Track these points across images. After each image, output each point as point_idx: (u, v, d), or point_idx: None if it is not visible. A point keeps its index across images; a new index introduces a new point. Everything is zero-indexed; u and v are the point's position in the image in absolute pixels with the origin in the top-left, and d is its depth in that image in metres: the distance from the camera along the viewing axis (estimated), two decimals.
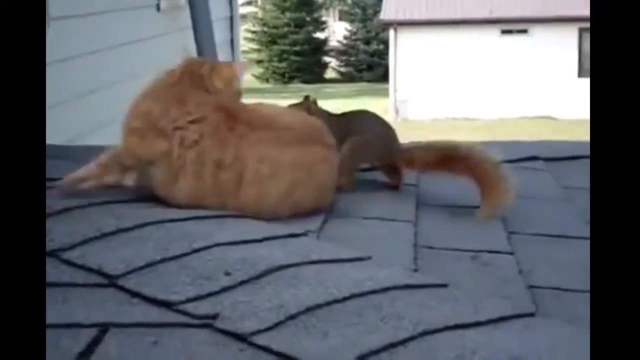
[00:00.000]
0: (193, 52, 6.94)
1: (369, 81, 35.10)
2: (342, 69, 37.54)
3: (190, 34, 7.51)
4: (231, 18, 9.30)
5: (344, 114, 2.94)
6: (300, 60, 36.17)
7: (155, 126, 2.46)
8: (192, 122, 2.44)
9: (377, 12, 32.44)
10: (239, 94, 2.62)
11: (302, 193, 2.46)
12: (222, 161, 2.41)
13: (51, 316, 1.76)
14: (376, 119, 2.90)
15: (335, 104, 28.83)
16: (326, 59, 38.20)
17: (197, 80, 2.54)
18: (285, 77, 36.27)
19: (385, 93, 29.22)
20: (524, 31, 26.94)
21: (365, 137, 2.78)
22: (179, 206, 2.41)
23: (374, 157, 2.83)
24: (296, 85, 35.32)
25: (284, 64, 36.29)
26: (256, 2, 41.50)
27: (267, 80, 36.13)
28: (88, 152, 3.18)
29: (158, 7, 7.01)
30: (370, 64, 35.92)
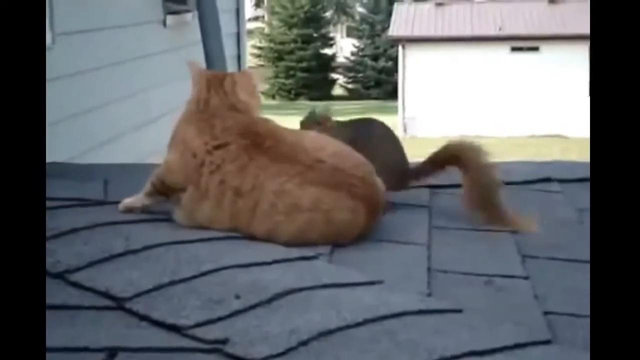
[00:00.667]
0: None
1: (376, 98, 35.07)
2: (350, 86, 37.55)
3: (196, 50, 7.51)
4: (238, 34, 9.29)
5: (351, 122, 2.91)
6: (307, 77, 36.19)
7: (190, 149, 2.45)
8: (216, 147, 2.42)
9: (385, 28, 32.46)
10: (259, 101, 2.62)
11: (317, 237, 2.36)
12: (240, 189, 2.37)
13: (58, 339, 1.73)
14: (386, 131, 2.87)
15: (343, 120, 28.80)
16: (333, 75, 38.22)
17: (223, 97, 2.52)
18: (292, 94, 36.27)
19: (393, 110, 29.20)
20: (535, 49, 26.91)
21: (382, 164, 2.71)
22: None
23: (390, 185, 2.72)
24: (303, 102, 35.31)
25: (290, 81, 36.30)
26: (263, 18, 41.60)
27: (273, 97, 36.14)
28: (94, 170, 3.16)
29: (164, 23, 7.01)
30: (378, 81, 35.91)
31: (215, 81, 2.55)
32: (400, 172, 2.79)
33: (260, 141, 2.42)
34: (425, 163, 2.83)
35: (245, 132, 2.44)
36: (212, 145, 2.42)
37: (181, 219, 2.45)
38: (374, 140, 2.79)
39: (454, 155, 2.77)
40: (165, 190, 2.51)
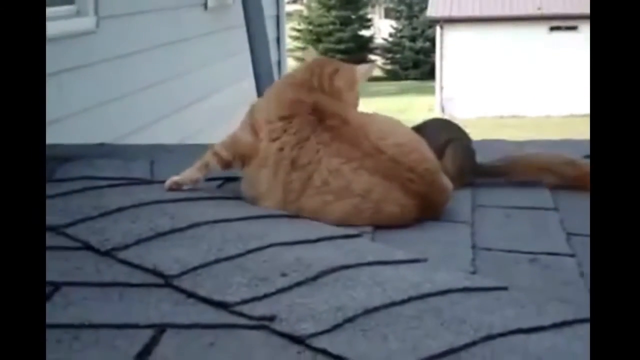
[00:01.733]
0: (241, 50, 6.96)
1: (414, 79, 34.92)
2: (388, 67, 37.38)
3: (237, 32, 7.52)
4: (277, 16, 9.30)
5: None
6: (346, 58, 36.08)
7: (254, 120, 2.50)
8: (281, 118, 2.45)
9: (423, 9, 32.29)
10: (357, 97, 2.61)
11: (362, 223, 2.34)
12: (296, 160, 2.39)
13: (108, 316, 1.76)
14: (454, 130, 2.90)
15: (381, 101, 28.82)
16: (372, 57, 38.06)
17: (317, 79, 2.54)
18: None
19: (431, 91, 29.08)
20: (574, 28, 26.61)
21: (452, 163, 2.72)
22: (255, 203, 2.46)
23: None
24: None
25: None
26: (302, 0, 41.52)
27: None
28: (139, 151, 3.19)
29: (205, 6, 7.03)
30: (416, 62, 35.72)
31: (318, 63, 2.58)
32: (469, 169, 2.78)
33: (326, 118, 2.43)
34: (501, 167, 2.83)
35: (315, 108, 2.46)
36: (276, 115, 2.45)
37: (244, 189, 2.50)
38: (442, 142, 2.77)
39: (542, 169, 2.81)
40: (228, 158, 2.53)
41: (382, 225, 2.35)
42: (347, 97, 2.56)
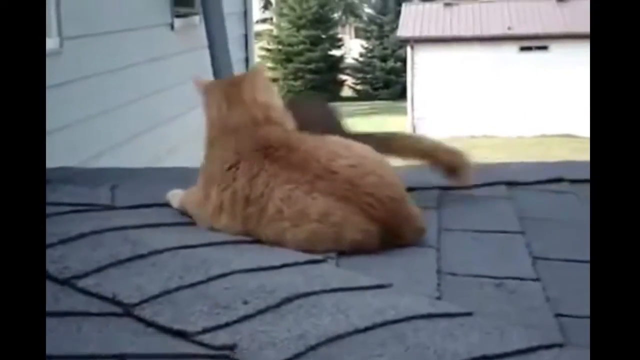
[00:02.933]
0: (207, 71, 6.95)
1: (386, 99, 35.03)
2: (359, 87, 37.49)
3: (204, 53, 7.51)
4: (246, 36, 9.30)
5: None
6: (316, 79, 36.14)
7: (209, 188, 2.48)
8: (229, 168, 2.42)
9: (394, 29, 32.42)
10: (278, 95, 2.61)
11: (324, 246, 2.28)
12: (249, 196, 2.36)
13: (66, 346, 1.72)
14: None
15: (352, 121, 28.81)
16: (342, 76, 38.18)
17: (243, 112, 2.50)
18: (299, 95, 36.25)
19: (402, 111, 29.18)
20: (544, 48, 26.84)
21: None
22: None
23: None
24: None
25: (299, 82, 36.26)
26: (271, 20, 41.60)
27: (282, 99, 36.12)
28: (103, 175, 3.15)
29: (172, 26, 7.01)
30: (387, 82, 35.84)
31: (233, 93, 2.53)
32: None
33: (273, 151, 2.38)
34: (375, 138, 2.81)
35: (258, 145, 2.41)
36: (222, 171, 2.43)
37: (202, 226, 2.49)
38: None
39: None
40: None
41: (345, 251, 2.31)
42: (272, 103, 2.54)
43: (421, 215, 2.46)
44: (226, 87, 2.58)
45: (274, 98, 2.57)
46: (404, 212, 2.38)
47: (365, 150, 2.46)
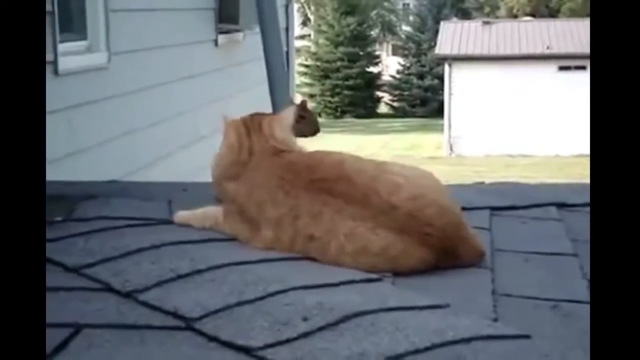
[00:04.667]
0: (249, 86, 7.00)
1: (422, 116, 35.03)
2: (395, 104, 37.56)
3: (246, 68, 7.58)
4: (287, 52, 9.36)
5: None
6: (353, 95, 36.26)
7: (259, 216, 2.45)
8: (285, 213, 2.39)
9: (431, 46, 32.44)
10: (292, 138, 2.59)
11: (381, 274, 2.29)
12: (314, 235, 2.34)
13: (129, 359, 1.75)
14: None
15: (388, 138, 28.85)
16: (379, 93, 38.25)
17: (264, 142, 2.51)
18: (338, 112, 36.36)
19: (439, 128, 29.15)
20: (582, 67, 26.70)
21: None
22: None
23: None
24: (348, 120, 35.38)
25: (336, 99, 36.40)
26: (310, 36, 41.76)
27: (319, 115, 36.18)
28: (154, 189, 3.19)
29: (216, 43, 7.09)
30: (423, 99, 35.87)
31: (254, 126, 2.55)
32: None
33: (332, 185, 2.36)
34: None
35: (312, 181, 2.38)
36: (277, 213, 2.40)
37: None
38: None
39: None
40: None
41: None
42: (291, 145, 2.55)
43: (479, 238, 2.47)
44: (250, 121, 2.59)
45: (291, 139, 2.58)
46: (462, 237, 2.40)
47: (423, 176, 2.47)
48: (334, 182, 2.36)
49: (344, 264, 2.31)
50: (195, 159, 6.35)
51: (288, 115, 2.62)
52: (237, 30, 7.50)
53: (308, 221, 2.35)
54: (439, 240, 2.33)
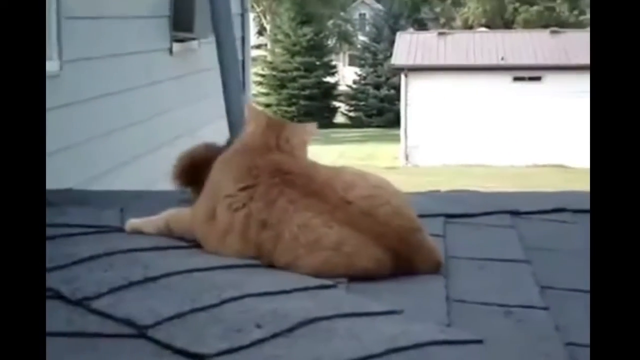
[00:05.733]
0: (205, 95, 6.98)
1: (378, 126, 35.19)
2: (352, 114, 37.69)
3: (201, 77, 7.55)
4: (243, 62, 9.36)
5: None
6: (310, 105, 36.33)
7: (216, 201, 2.45)
8: (243, 189, 2.40)
9: (387, 57, 32.62)
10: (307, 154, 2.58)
11: (335, 274, 2.29)
12: (266, 221, 2.35)
13: None
14: None
15: (345, 149, 28.93)
16: (336, 103, 38.35)
17: (275, 141, 2.50)
18: (294, 121, 36.37)
19: (395, 138, 29.30)
20: (537, 78, 27.02)
21: None
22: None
23: None
24: None
25: (293, 108, 36.44)
26: (266, 46, 41.79)
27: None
28: (108, 197, 3.17)
29: (171, 51, 7.06)
30: (380, 109, 36.05)
31: (273, 127, 2.53)
32: None
33: (293, 178, 2.39)
34: None
35: (277, 169, 2.41)
36: (235, 187, 2.41)
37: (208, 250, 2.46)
38: None
39: None
40: (179, 234, 2.56)
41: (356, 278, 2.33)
42: (301, 155, 2.53)
43: (437, 247, 2.48)
44: (271, 124, 2.57)
45: (303, 152, 2.56)
46: (417, 242, 2.40)
47: (379, 180, 2.49)
48: (296, 175, 2.40)
49: (298, 257, 2.31)
50: (151, 167, 6.32)
51: (308, 131, 2.60)
52: (192, 39, 7.47)
53: (261, 206, 2.36)
54: (393, 241, 2.34)
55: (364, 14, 45.41)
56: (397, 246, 2.34)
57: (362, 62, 38.32)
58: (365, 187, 2.40)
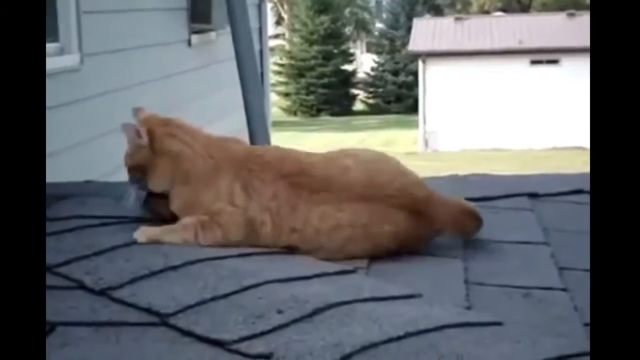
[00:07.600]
0: (223, 85, 6.98)
1: (397, 113, 35.09)
2: (370, 101, 37.59)
3: (220, 68, 7.56)
4: (261, 52, 9.36)
5: None
6: (328, 93, 36.25)
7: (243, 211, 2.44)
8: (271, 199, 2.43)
9: (405, 43, 32.50)
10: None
11: (360, 249, 2.38)
12: (295, 227, 2.40)
13: (104, 356, 1.76)
14: None
15: (364, 135, 28.88)
16: (354, 91, 38.27)
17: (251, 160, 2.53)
18: (313, 110, 36.36)
19: (414, 124, 29.22)
20: (554, 61, 26.86)
21: None
22: None
23: None
24: (324, 118, 35.39)
25: (311, 97, 36.38)
26: (284, 35, 41.73)
27: (294, 113, 36.26)
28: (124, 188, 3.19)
29: (189, 43, 7.08)
30: (398, 96, 35.93)
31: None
32: None
33: (297, 181, 2.43)
34: None
35: (278, 177, 2.45)
36: (265, 200, 2.44)
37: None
38: None
39: None
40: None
41: (380, 251, 2.38)
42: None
43: (457, 199, 2.58)
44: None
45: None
46: (426, 194, 2.47)
47: (367, 153, 2.59)
48: (297, 176, 2.45)
49: (323, 245, 2.37)
50: None
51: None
52: (210, 30, 7.49)
53: (288, 211, 2.41)
54: (401, 199, 2.42)
55: (381, 1, 45.24)
56: (407, 202, 2.42)
57: (380, 49, 38.18)
58: (359, 165, 2.47)
